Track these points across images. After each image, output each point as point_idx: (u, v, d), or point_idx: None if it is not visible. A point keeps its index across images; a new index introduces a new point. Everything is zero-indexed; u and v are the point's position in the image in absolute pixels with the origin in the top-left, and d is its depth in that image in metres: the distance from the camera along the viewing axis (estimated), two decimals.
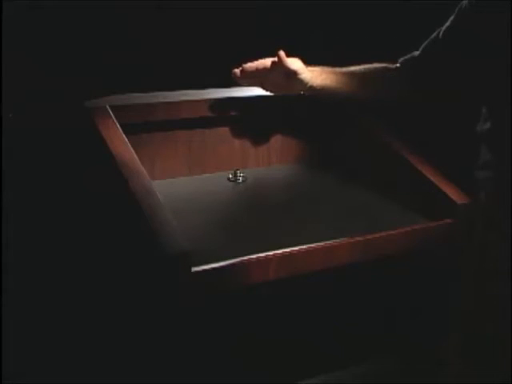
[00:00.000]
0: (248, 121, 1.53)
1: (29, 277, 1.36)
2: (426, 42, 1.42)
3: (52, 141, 1.42)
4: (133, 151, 1.23)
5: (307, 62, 1.44)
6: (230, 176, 1.47)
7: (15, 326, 1.27)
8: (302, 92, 1.47)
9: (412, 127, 1.56)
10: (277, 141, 1.57)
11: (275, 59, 1.41)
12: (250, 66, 1.43)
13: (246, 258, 1.07)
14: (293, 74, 1.40)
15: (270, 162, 1.57)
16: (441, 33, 1.38)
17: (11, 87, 1.40)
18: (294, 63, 1.41)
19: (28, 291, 1.34)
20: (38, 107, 1.45)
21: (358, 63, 1.48)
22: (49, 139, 1.43)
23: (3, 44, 1.39)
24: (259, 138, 1.55)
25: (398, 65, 1.47)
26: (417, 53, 1.44)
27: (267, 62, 1.43)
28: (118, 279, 1.24)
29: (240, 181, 1.46)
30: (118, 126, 1.29)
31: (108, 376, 1.21)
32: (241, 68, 1.43)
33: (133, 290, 1.18)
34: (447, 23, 1.37)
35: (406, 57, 1.46)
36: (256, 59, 1.45)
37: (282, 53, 1.38)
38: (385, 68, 1.48)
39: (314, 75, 1.42)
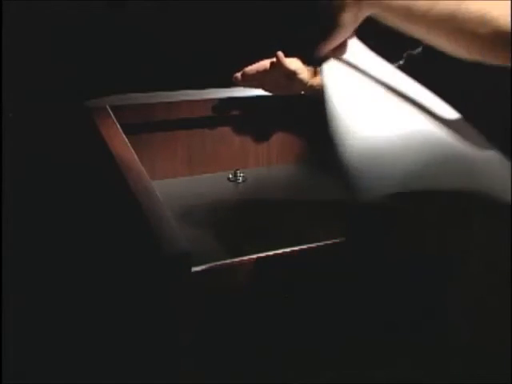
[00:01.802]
0: (248, 121, 1.54)
1: (29, 277, 1.36)
2: None
3: (52, 141, 1.42)
4: (133, 151, 1.23)
5: (308, 62, 1.44)
6: (230, 176, 1.47)
7: (15, 326, 1.27)
8: (302, 92, 1.47)
9: None
10: (277, 141, 1.57)
11: (274, 60, 1.41)
12: (251, 69, 1.45)
13: (246, 257, 1.07)
14: (292, 73, 1.41)
15: (270, 162, 1.57)
16: None
17: (11, 87, 1.40)
18: (293, 63, 1.41)
19: (28, 291, 1.34)
20: (37, 107, 1.45)
21: None
22: (49, 139, 1.43)
23: (3, 44, 1.39)
24: (259, 138, 1.55)
25: (400, 62, 1.48)
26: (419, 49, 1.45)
27: (267, 63, 1.44)
28: (118, 279, 1.24)
29: (240, 181, 1.47)
30: (118, 125, 1.29)
31: (108, 376, 1.21)
32: (242, 72, 1.45)
33: (132, 291, 1.18)
34: None
35: (410, 51, 1.47)
36: (256, 59, 1.46)
37: (280, 53, 1.39)
38: None
39: (313, 75, 1.43)
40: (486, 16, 0.90)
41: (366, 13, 1.01)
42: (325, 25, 1.05)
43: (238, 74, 1.45)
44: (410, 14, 0.95)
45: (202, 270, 1.03)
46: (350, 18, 1.02)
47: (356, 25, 1.04)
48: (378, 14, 1.00)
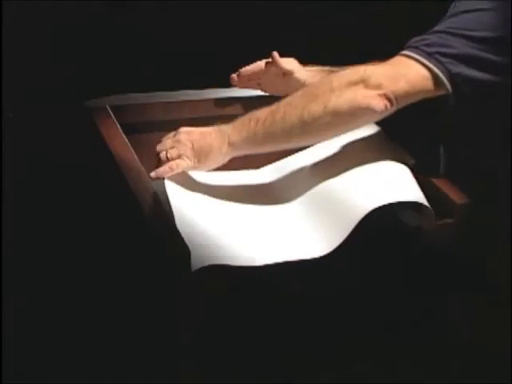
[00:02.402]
0: None
1: (29, 277, 1.36)
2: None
3: (52, 141, 1.42)
4: (133, 151, 1.23)
5: (308, 62, 1.45)
6: None
7: (15, 326, 1.27)
8: None
9: (411, 126, 1.56)
10: None
11: (269, 60, 1.42)
12: (247, 69, 1.46)
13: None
14: (288, 73, 1.42)
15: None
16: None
17: (11, 87, 1.40)
18: (289, 63, 1.42)
19: (28, 291, 1.34)
20: (37, 107, 1.45)
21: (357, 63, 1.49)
22: (49, 139, 1.43)
23: (3, 44, 1.39)
24: None
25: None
26: None
27: (262, 63, 1.45)
28: (118, 280, 1.24)
29: None
30: (118, 125, 1.29)
31: (108, 376, 1.21)
32: (238, 73, 1.46)
33: (132, 291, 1.18)
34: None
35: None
36: (256, 59, 1.46)
37: (275, 53, 1.41)
38: None
39: (310, 74, 1.43)
40: (327, 109, 1.09)
41: (232, 155, 1.18)
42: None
43: (234, 75, 1.46)
44: (272, 141, 1.16)
45: (202, 270, 1.03)
46: (219, 160, 1.19)
47: (221, 164, 1.20)
48: None
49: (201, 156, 1.16)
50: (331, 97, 1.09)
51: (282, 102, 1.15)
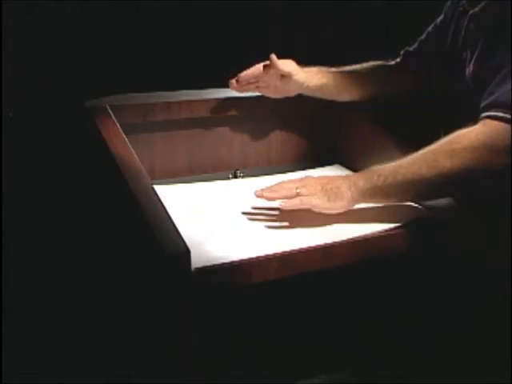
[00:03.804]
0: (248, 121, 1.54)
1: (29, 277, 1.36)
2: (423, 35, 1.45)
3: (52, 141, 1.43)
4: (133, 151, 1.23)
5: (307, 63, 1.45)
6: (230, 176, 1.47)
7: (15, 326, 1.27)
8: (299, 93, 1.47)
9: (411, 126, 1.57)
10: (277, 141, 1.58)
11: (268, 63, 1.42)
12: (246, 73, 1.47)
13: (246, 258, 1.07)
14: (287, 75, 1.42)
15: (270, 162, 1.57)
16: (431, 26, 1.42)
17: (11, 87, 1.40)
18: (287, 65, 1.42)
19: (28, 291, 1.35)
20: (38, 107, 1.45)
21: (354, 63, 1.50)
22: (49, 139, 1.43)
23: (3, 44, 1.39)
24: (259, 138, 1.56)
25: (397, 59, 1.50)
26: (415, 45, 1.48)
27: (261, 66, 1.45)
28: (118, 279, 1.24)
29: None
30: (118, 125, 1.29)
31: (108, 375, 1.21)
32: (236, 77, 1.46)
33: (133, 290, 1.18)
34: (441, 16, 1.40)
35: (407, 48, 1.49)
36: (255, 59, 1.46)
37: (273, 56, 1.41)
38: (383, 64, 1.50)
39: (309, 75, 1.43)
40: (442, 171, 1.12)
41: (358, 201, 1.20)
42: None
43: (233, 81, 1.46)
44: (393, 196, 1.19)
45: (202, 269, 1.03)
46: (345, 203, 1.20)
47: (347, 208, 1.21)
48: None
49: (330, 196, 1.19)
50: (447, 161, 1.12)
51: (403, 163, 1.18)
